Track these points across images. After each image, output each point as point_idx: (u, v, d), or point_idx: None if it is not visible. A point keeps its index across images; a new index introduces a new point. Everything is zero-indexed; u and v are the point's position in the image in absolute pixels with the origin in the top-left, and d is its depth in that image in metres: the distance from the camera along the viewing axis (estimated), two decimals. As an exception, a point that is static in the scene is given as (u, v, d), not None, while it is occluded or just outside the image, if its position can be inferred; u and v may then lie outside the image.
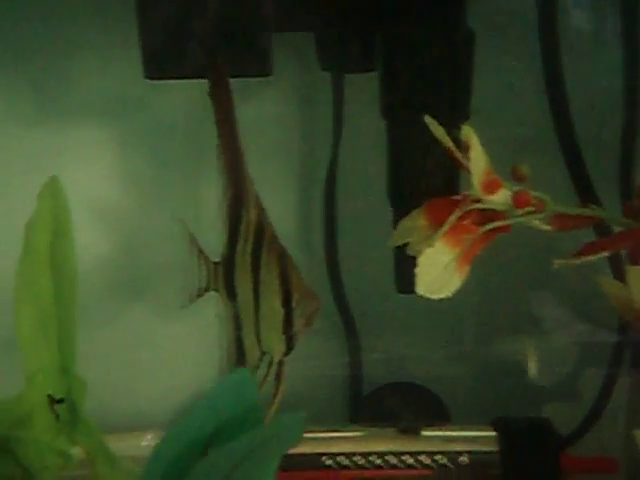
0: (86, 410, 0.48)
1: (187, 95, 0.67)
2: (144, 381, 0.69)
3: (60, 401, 0.48)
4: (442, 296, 0.43)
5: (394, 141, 0.53)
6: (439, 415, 0.61)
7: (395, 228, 0.55)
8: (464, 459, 0.55)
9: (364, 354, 0.67)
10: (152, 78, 0.60)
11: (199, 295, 0.49)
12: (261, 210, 0.45)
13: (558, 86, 0.54)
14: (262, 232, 0.45)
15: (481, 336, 0.66)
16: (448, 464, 0.55)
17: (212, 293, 0.49)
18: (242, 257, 0.46)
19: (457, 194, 0.52)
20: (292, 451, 0.55)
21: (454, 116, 0.50)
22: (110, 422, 0.51)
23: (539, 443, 0.56)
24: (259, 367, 0.47)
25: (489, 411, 0.60)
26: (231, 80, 0.52)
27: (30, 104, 0.66)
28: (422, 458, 0.55)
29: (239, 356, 0.47)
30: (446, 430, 0.57)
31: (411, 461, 0.55)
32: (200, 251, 0.49)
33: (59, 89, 0.66)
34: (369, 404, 0.61)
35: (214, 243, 0.71)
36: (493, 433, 0.57)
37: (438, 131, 0.42)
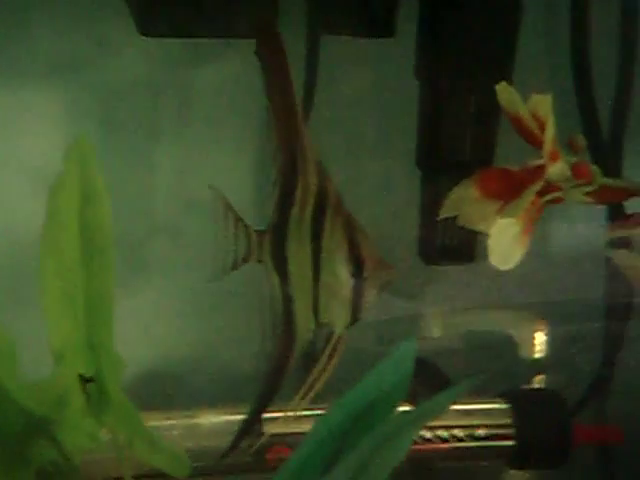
0: (119, 389, 0.44)
1: (143, 56, 0.64)
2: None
3: (89, 380, 0.44)
4: (511, 266, 0.43)
5: (429, 103, 0.51)
6: (443, 389, 0.60)
7: (422, 192, 0.55)
8: (481, 432, 0.55)
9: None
10: (147, 35, 0.57)
11: (235, 267, 0.46)
12: (324, 176, 0.43)
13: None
14: (324, 199, 0.42)
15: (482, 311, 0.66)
16: (465, 438, 0.55)
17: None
18: (298, 225, 0.43)
19: (492, 162, 0.52)
20: (304, 429, 0.55)
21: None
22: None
23: (551, 414, 0.56)
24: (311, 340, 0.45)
25: (490, 384, 0.60)
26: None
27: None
28: (440, 432, 0.55)
29: (288, 328, 0.45)
30: (460, 404, 0.57)
31: (429, 435, 0.55)
32: (239, 219, 0.46)
33: (3, 50, 0.61)
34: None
35: (165, 211, 0.68)
36: (506, 405, 0.57)
37: (514, 98, 0.42)
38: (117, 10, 0.58)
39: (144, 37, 0.58)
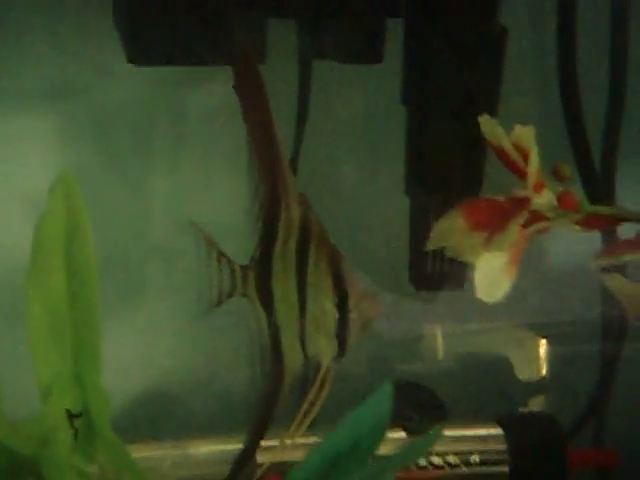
0: (108, 424, 0.44)
1: (135, 81, 0.64)
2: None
3: (77, 415, 0.44)
4: (497, 299, 0.43)
5: (415, 130, 0.51)
6: (436, 413, 0.60)
7: (411, 218, 0.54)
8: (475, 458, 0.55)
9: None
10: (136, 64, 0.57)
11: (220, 302, 0.46)
12: (307, 207, 0.43)
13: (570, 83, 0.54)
14: (308, 231, 0.42)
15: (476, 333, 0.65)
16: (460, 464, 0.55)
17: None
18: (282, 258, 0.43)
19: (479, 188, 0.51)
20: (296, 457, 0.55)
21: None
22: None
23: (545, 439, 0.56)
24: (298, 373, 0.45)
25: (485, 408, 0.60)
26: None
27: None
28: (434, 459, 0.55)
29: (276, 363, 0.45)
30: (454, 429, 0.57)
31: (424, 462, 0.54)
32: (222, 254, 0.46)
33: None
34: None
35: (161, 233, 0.68)
36: (500, 431, 0.57)
37: (496, 131, 0.41)
38: (112, 36, 0.59)
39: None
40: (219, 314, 0.46)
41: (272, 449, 0.52)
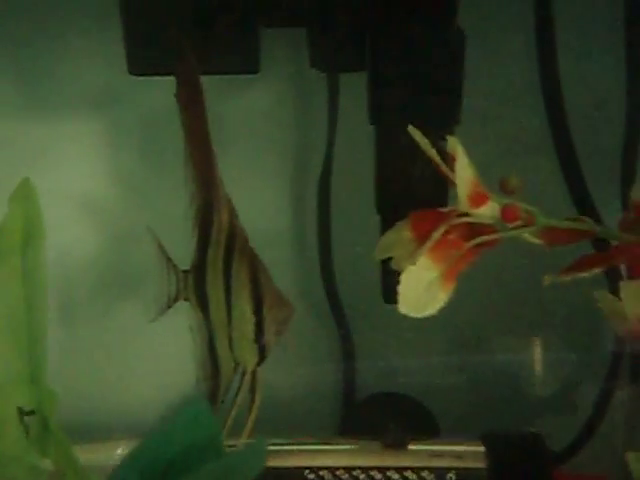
0: (56, 422, 0.46)
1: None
2: (125, 386, 0.67)
3: (30, 413, 0.46)
4: (425, 314, 0.41)
5: (381, 147, 0.50)
6: (427, 428, 0.59)
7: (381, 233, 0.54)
8: (451, 476, 0.54)
9: (358, 362, 0.65)
10: (135, 74, 0.59)
11: (169, 305, 0.47)
12: (233, 213, 0.43)
13: (554, 91, 0.52)
14: (234, 236, 0.43)
15: (475, 347, 0.64)
16: (434, 481, 0.54)
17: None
18: (213, 264, 0.44)
19: (446, 205, 0.50)
20: (273, 464, 0.55)
21: (444, 121, 0.48)
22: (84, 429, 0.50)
23: (529, 460, 0.54)
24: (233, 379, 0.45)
25: (482, 424, 0.59)
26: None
27: (17, 98, 0.65)
28: (408, 474, 0.54)
29: (213, 367, 0.45)
30: (433, 444, 0.55)
31: (396, 477, 0.54)
32: (168, 259, 0.47)
33: (46, 83, 0.65)
34: (356, 415, 0.60)
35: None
36: (482, 448, 0.55)
37: (422, 141, 0.41)
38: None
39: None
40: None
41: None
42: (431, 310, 0.41)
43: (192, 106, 0.44)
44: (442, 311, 0.62)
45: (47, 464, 0.47)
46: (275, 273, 0.69)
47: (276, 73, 0.64)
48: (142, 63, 0.58)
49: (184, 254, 0.67)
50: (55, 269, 0.68)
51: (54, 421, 0.46)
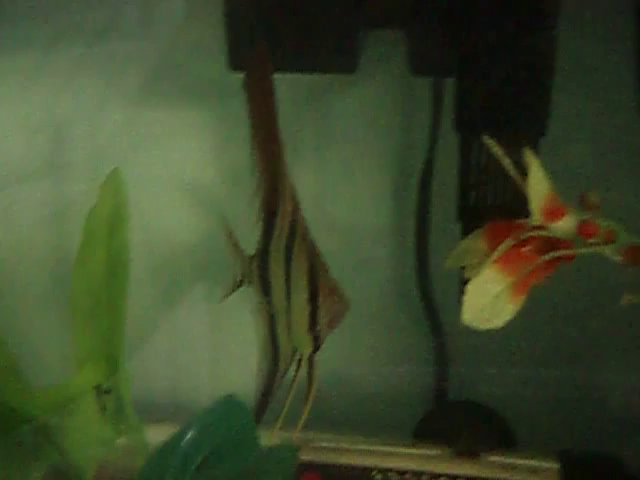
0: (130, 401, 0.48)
1: (288, 85, 0.67)
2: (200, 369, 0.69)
3: (108, 392, 0.48)
4: (491, 327, 0.41)
5: (464, 154, 0.49)
6: (503, 439, 0.58)
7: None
8: (521, 490, 0.52)
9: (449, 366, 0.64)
10: (237, 70, 0.60)
11: (234, 289, 0.48)
12: (296, 204, 0.44)
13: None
14: (296, 226, 0.44)
15: (561, 360, 0.62)
16: (502, 494, 0.53)
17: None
18: (276, 251, 0.45)
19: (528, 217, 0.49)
20: (343, 461, 0.55)
21: (529, 132, 0.47)
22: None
23: (605, 482, 0.52)
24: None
25: (564, 441, 0.57)
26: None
27: (136, 85, 0.67)
28: (476, 484, 0.53)
29: (273, 352, 0.46)
30: (506, 456, 0.54)
31: (464, 485, 0.53)
32: (235, 245, 0.48)
33: (165, 72, 0.66)
34: (430, 420, 0.59)
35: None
36: (557, 465, 0.53)
37: (497, 152, 0.40)
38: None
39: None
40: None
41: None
42: (497, 322, 0.41)
43: (261, 97, 0.45)
44: (539, 323, 0.61)
45: (121, 442, 0.49)
46: (371, 271, 0.70)
47: (378, 74, 0.63)
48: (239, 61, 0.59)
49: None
50: (163, 250, 0.71)
51: (129, 401, 0.48)
